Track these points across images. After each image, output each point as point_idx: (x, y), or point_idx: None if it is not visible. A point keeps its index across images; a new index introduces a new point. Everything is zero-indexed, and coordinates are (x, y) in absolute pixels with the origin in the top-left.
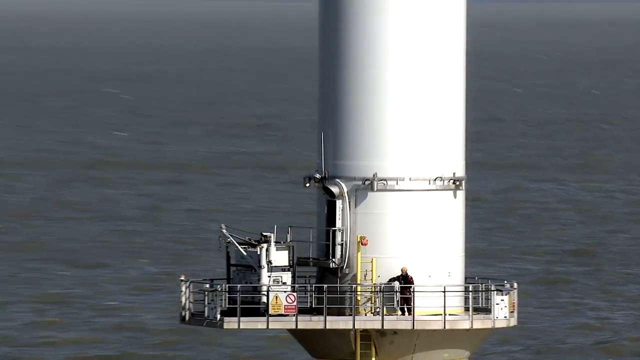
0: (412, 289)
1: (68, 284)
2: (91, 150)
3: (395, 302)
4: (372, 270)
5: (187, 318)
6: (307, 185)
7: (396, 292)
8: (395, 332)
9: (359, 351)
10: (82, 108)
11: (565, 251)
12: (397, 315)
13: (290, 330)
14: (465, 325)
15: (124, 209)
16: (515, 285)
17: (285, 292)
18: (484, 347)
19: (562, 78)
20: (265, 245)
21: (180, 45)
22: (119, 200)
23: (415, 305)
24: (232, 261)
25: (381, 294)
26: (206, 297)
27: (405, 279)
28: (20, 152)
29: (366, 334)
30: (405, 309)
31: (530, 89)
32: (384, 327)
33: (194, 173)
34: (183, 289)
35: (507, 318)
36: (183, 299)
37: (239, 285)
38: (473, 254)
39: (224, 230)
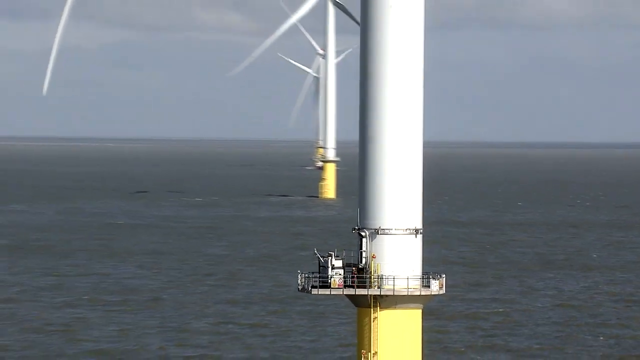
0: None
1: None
2: None
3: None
4: (377, 269)
5: (300, 289)
6: (353, 232)
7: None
8: (387, 295)
9: (371, 303)
10: None
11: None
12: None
13: (346, 295)
14: (417, 293)
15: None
16: (444, 275)
17: (339, 278)
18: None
19: None
20: (331, 257)
21: None
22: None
23: (394, 285)
24: (321, 264)
25: (380, 280)
26: (305, 280)
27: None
28: None
29: (374, 296)
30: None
31: None
32: (381, 294)
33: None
34: (299, 277)
35: (438, 290)
36: (299, 280)
37: (319, 275)
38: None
39: (316, 251)
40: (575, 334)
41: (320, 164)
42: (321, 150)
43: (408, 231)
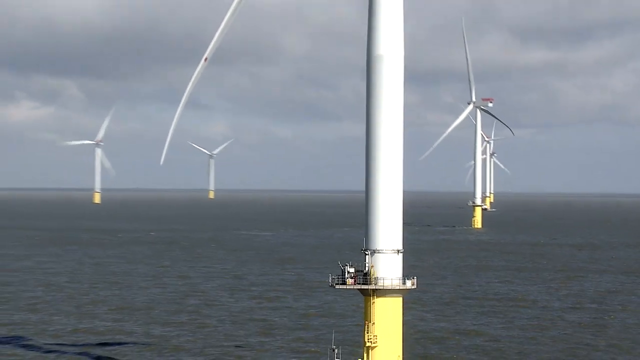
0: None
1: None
2: None
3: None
4: (374, 273)
5: (330, 285)
6: (361, 251)
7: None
8: (380, 289)
9: (371, 294)
10: None
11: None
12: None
13: (357, 289)
14: (398, 287)
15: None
16: (415, 278)
17: (351, 278)
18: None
19: None
20: (347, 265)
21: None
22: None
23: (384, 283)
24: (342, 270)
25: (376, 280)
26: (333, 280)
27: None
28: None
29: (373, 289)
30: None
31: None
32: (377, 288)
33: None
34: (329, 277)
35: (412, 286)
36: (330, 279)
37: (338, 276)
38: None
39: (339, 262)
40: None
41: (485, 206)
42: (487, 198)
43: (393, 251)
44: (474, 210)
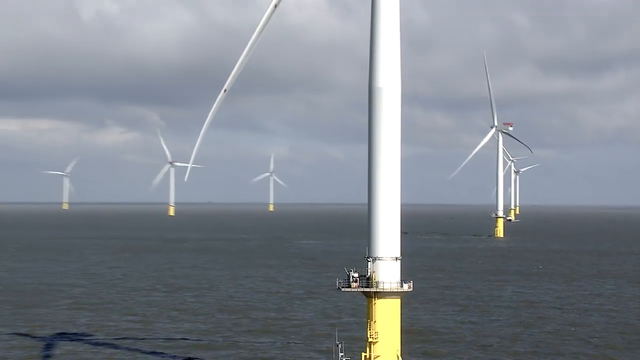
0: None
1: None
2: None
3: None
4: (375, 278)
5: (337, 287)
6: (365, 258)
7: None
8: (381, 292)
9: (373, 296)
10: None
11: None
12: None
13: (361, 292)
14: (396, 290)
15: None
16: (411, 281)
17: (355, 281)
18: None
19: None
20: (352, 271)
21: None
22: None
23: (384, 286)
24: (348, 275)
25: (377, 284)
26: (340, 283)
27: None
28: None
29: (374, 292)
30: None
31: None
32: (377, 291)
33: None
34: (337, 281)
35: (408, 289)
36: (337, 283)
37: (344, 280)
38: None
39: (345, 268)
40: None
41: (510, 218)
42: (512, 211)
43: (392, 258)
44: (496, 221)
